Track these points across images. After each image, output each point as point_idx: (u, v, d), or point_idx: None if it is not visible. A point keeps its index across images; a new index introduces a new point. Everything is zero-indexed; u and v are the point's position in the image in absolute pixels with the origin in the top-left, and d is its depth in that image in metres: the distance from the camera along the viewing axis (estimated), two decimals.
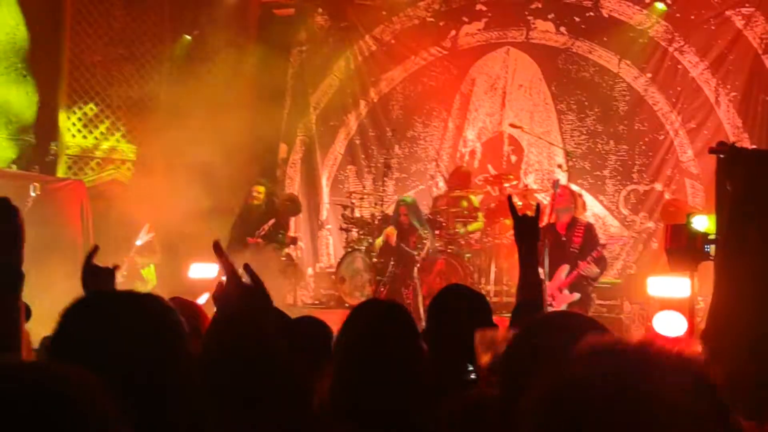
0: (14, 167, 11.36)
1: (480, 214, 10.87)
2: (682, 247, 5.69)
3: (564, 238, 8.90)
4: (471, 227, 10.78)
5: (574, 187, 10.66)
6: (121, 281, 10.55)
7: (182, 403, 1.78)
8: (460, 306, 3.45)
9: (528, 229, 3.36)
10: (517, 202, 10.99)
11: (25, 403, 1.06)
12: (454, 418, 2.46)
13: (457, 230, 10.64)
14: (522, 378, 1.61)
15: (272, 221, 10.17)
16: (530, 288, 3.32)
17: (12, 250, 2.05)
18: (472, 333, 3.31)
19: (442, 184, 12.55)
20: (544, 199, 11.50)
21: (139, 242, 10.94)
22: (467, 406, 2.47)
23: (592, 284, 9.01)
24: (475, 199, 11.17)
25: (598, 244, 8.96)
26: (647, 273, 10.12)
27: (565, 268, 8.73)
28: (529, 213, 3.40)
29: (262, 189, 10.61)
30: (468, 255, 10.52)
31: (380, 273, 10.40)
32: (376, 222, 10.96)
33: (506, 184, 11.17)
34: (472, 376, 3.13)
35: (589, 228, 9.08)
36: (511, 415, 1.70)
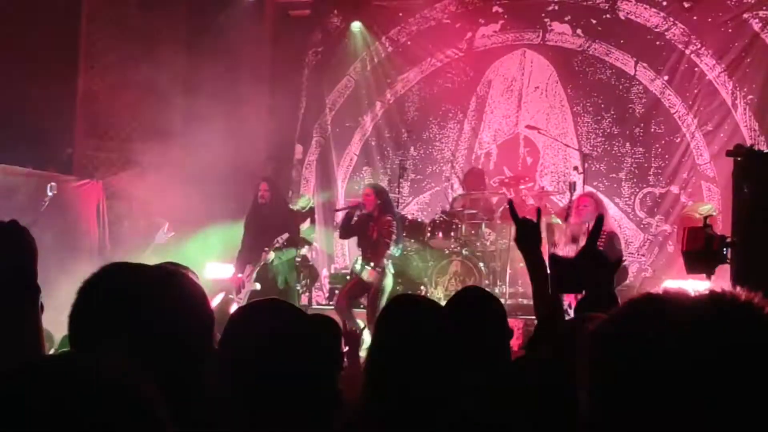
0: (30, 166, 11.42)
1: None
2: (699, 250, 5.65)
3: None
4: None
5: (589, 190, 10.63)
6: None
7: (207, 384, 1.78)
8: (475, 308, 3.45)
9: (529, 234, 3.34)
10: (530, 201, 10.97)
11: (86, 398, 1.07)
12: None
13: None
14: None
15: (286, 235, 10.05)
16: (545, 302, 3.30)
17: (27, 266, 2.07)
18: (485, 335, 3.32)
19: (457, 185, 12.54)
20: (560, 201, 11.48)
21: (158, 240, 10.96)
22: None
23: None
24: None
25: (620, 256, 8.72)
26: (663, 276, 10.09)
27: None
28: (530, 218, 3.38)
29: (267, 187, 10.46)
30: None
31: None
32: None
33: (522, 186, 11.15)
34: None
35: (611, 237, 8.76)
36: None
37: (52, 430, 1.03)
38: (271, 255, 9.93)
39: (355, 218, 9.98)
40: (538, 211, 3.50)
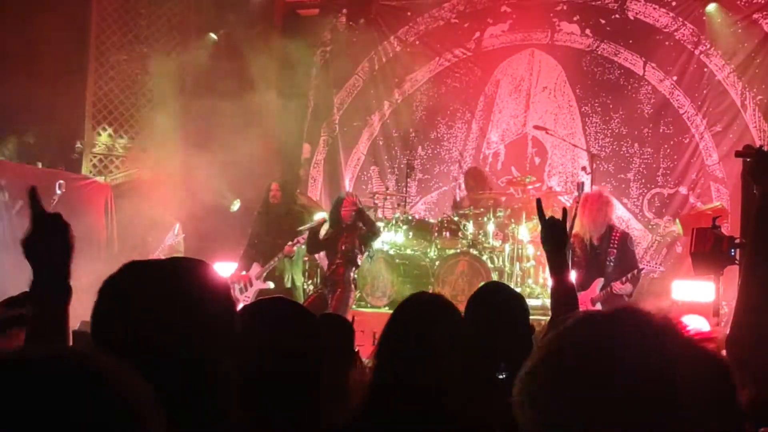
0: (40, 165, 11.47)
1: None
2: (707, 251, 5.64)
3: (599, 250, 8.49)
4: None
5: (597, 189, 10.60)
6: None
7: (227, 388, 1.77)
8: (498, 303, 3.45)
9: (555, 233, 3.30)
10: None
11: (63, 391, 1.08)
12: None
13: None
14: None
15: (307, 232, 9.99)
16: (565, 302, 3.24)
17: (65, 265, 2.12)
18: (507, 330, 3.32)
19: (464, 186, 12.52)
20: (567, 201, 11.45)
21: (169, 241, 11.00)
22: None
23: (628, 298, 8.65)
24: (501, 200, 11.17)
25: (633, 257, 8.61)
26: (671, 277, 10.07)
27: (599, 282, 8.40)
28: (557, 217, 3.35)
29: (278, 187, 10.43)
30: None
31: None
32: (399, 223, 10.96)
33: (530, 186, 11.13)
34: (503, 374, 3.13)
35: (624, 238, 8.65)
36: None
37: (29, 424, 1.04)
38: (295, 248, 9.92)
39: (323, 233, 9.76)
40: (564, 211, 3.46)
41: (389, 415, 2.57)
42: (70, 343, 2.03)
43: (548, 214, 3.36)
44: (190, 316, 1.74)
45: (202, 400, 1.69)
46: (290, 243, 9.85)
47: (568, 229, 3.35)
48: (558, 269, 3.28)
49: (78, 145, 12.13)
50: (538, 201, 3.54)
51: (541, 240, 3.34)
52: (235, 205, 11.50)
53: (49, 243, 2.07)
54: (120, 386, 1.12)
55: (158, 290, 1.75)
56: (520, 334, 3.38)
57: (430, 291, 10.35)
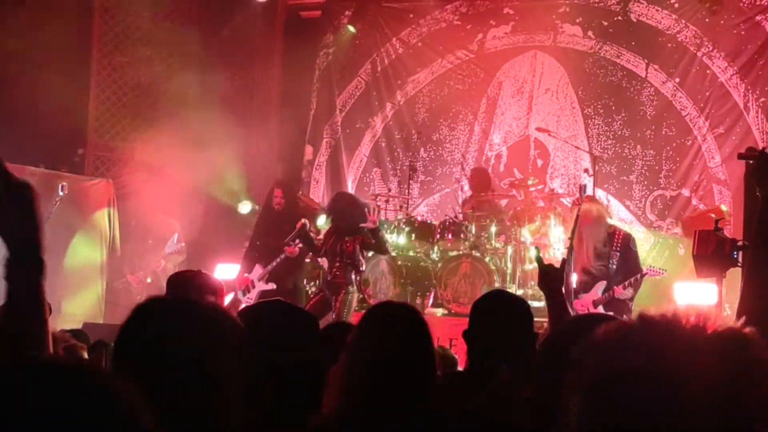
0: (42, 166, 11.47)
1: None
2: (710, 254, 5.63)
3: (601, 253, 8.45)
4: None
5: (600, 192, 10.60)
6: (149, 282, 10.66)
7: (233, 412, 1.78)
8: (503, 310, 3.47)
9: (552, 279, 3.61)
10: (540, 204, 10.92)
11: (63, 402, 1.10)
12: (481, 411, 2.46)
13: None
14: (554, 378, 1.61)
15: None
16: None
17: (34, 237, 1.97)
18: (511, 337, 3.34)
19: (467, 187, 12.52)
20: (569, 203, 11.44)
21: (168, 250, 11.03)
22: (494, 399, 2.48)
23: (629, 302, 8.63)
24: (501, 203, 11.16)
25: (636, 260, 8.61)
26: (674, 279, 10.04)
27: (602, 285, 8.39)
28: (555, 264, 3.71)
29: (282, 193, 10.38)
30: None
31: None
32: (401, 225, 10.95)
33: (532, 188, 11.11)
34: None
35: (626, 240, 8.63)
36: (543, 411, 1.68)
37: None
38: (296, 250, 9.89)
39: (314, 235, 9.78)
40: (563, 261, 3.88)
41: (357, 419, 2.59)
42: (48, 319, 1.99)
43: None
44: (193, 323, 1.76)
45: (202, 402, 1.69)
46: (291, 244, 9.84)
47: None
48: (555, 309, 3.54)
49: (80, 151, 12.14)
50: (537, 249, 4.09)
51: (538, 283, 3.73)
52: (246, 207, 11.51)
53: (20, 215, 1.95)
54: (110, 388, 1.13)
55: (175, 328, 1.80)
56: (524, 339, 3.39)
57: (432, 293, 10.35)
